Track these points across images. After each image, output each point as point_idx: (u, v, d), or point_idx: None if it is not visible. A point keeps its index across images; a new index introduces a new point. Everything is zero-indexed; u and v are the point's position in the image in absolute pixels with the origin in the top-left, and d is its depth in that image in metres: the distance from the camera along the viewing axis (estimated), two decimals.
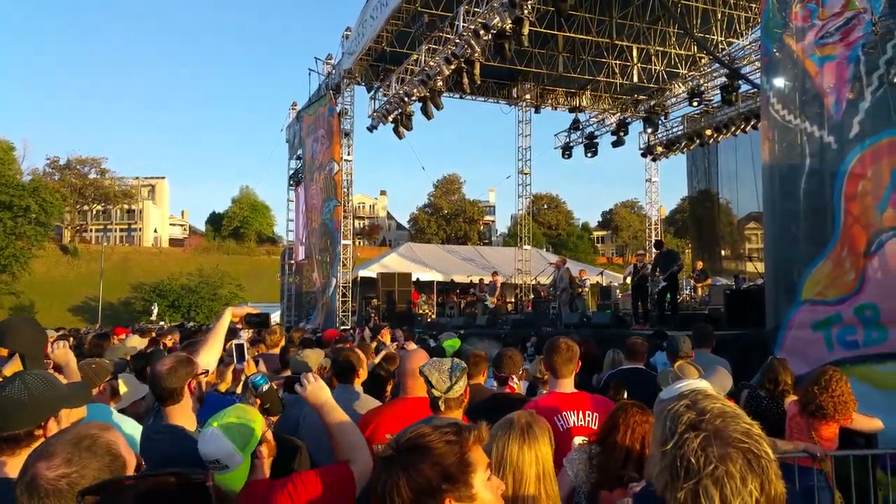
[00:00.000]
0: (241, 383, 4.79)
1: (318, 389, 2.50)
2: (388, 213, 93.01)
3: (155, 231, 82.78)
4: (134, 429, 3.39)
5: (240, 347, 3.73)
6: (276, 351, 6.22)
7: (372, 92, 22.32)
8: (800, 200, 6.79)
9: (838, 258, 6.27)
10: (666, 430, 1.37)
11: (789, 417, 4.63)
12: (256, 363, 5.07)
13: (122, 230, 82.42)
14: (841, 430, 4.41)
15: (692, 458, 1.31)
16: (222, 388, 4.57)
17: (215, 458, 2.09)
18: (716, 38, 19.28)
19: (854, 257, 6.13)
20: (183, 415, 2.84)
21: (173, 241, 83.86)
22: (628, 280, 16.08)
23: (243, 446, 2.14)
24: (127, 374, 4.32)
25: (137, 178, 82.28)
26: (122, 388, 3.99)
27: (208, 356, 3.12)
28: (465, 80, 16.75)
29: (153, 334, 11.32)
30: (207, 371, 3.02)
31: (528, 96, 23.97)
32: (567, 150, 25.96)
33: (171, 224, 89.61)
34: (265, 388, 2.52)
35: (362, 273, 25.51)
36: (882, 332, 5.83)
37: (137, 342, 8.46)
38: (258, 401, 2.55)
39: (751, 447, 1.31)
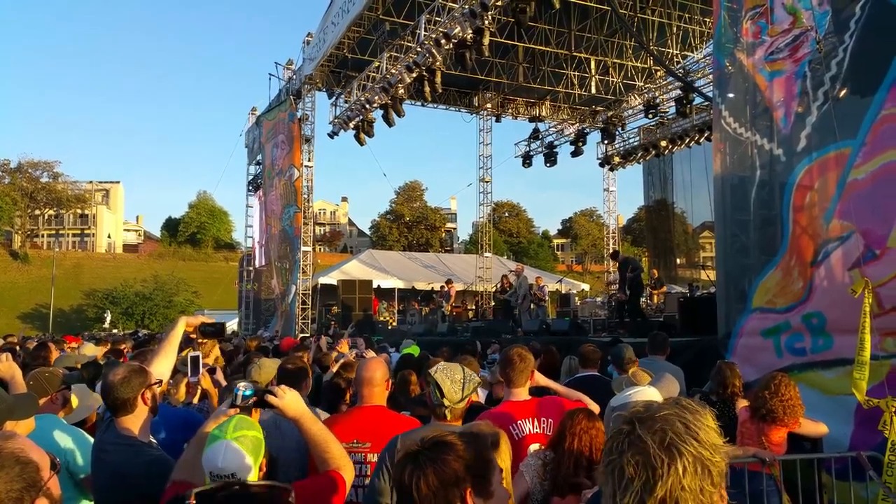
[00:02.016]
0: (197, 395, 4.73)
1: (295, 400, 2.41)
2: (350, 219, 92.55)
3: (109, 236, 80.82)
4: (81, 440, 3.32)
5: (195, 360, 3.67)
6: (209, 361, 6.13)
7: (333, 98, 22.24)
8: (750, 211, 6.96)
9: (787, 267, 6.44)
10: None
11: (740, 423, 4.76)
12: (213, 373, 5.00)
13: (74, 235, 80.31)
14: (789, 435, 4.54)
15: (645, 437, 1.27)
16: (178, 398, 4.49)
17: (231, 473, 2.05)
18: (671, 51, 19.71)
19: (802, 266, 6.30)
20: (136, 426, 2.79)
21: (127, 247, 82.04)
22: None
23: (256, 459, 2.11)
24: (79, 385, 4.21)
25: (91, 182, 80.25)
26: (75, 401, 3.90)
27: (162, 366, 3.06)
28: (427, 89, 16.80)
29: (109, 344, 11.01)
30: (161, 381, 2.97)
31: (488, 105, 24.16)
32: (527, 159, 26.22)
33: (125, 229, 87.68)
34: (252, 400, 2.40)
35: (322, 280, 25.34)
36: (827, 340, 6.00)
37: (93, 350, 8.24)
38: (234, 410, 2.40)
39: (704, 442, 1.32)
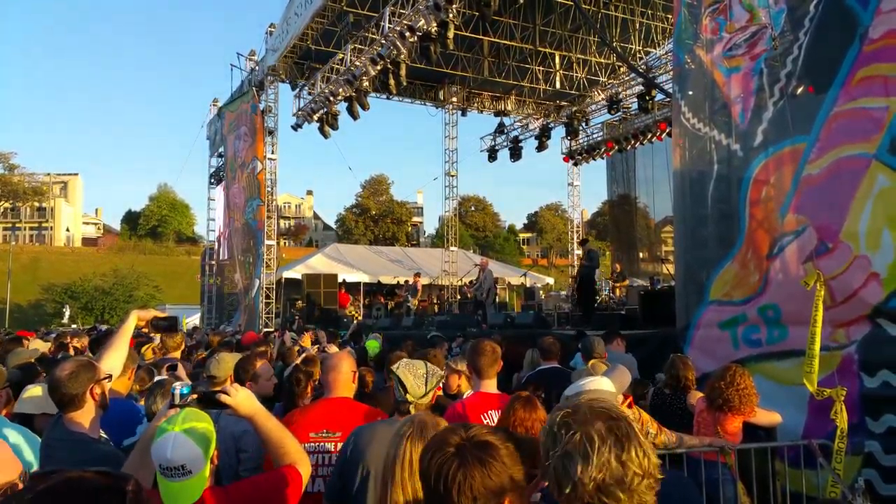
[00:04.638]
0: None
1: (247, 398, 2.39)
2: (315, 213, 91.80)
3: (67, 230, 79.11)
4: (29, 437, 3.24)
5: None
6: (177, 354, 6.06)
7: (296, 90, 21.97)
8: (708, 205, 7.07)
9: (743, 260, 6.56)
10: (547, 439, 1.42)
11: (697, 413, 4.84)
12: (174, 368, 4.94)
13: (32, 229, 78.45)
14: (744, 424, 4.64)
15: (559, 430, 1.38)
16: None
17: (181, 464, 2.01)
18: (634, 47, 19.89)
19: (758, 260, 6.42)
20: (85, 421, 2.74)
21: (86, 241, 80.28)
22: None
23: (207, 451, 2.08)
24: (43, 383, 4.13)
25: (49, 174, 78.47)
26: (38, 393, 3.82)
27: (112, 360, 3.00)
28: (392, 81, 16.72)
29: (67, 338, 10.76)
30: (111, 376, 2.91)
31: (454, 99, 24.13)
32: (493, 154, 26.27)
33: (84, 223, 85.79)
34: (189, 399, 2.38)
35: (287, 274, 25.09)
36: (783, 331, 6.13)
37: (42, 346, 8.05)
38: (174, 410, 2.40)
39: (610, 413, 1.38)
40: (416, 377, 2.97)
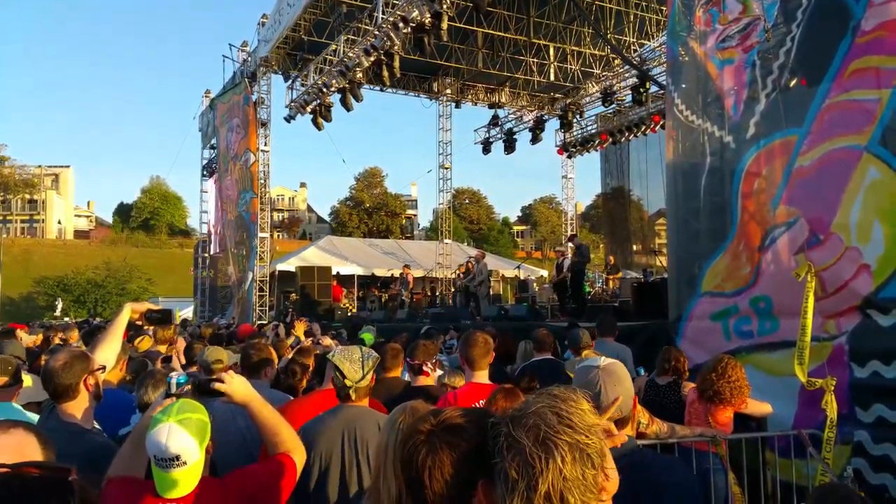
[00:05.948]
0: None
1: (243, 385, 2.40)
2: (309, 205, 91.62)
3: (59, 222, 78.77)
4: None
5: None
6: (162, 348, 6.06)
7: (289, 81, 21.89)
8: (700, 197, 7.08)
9: (735, 252, 6.58)
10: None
11: (688, 403, 4.88)
12: (169, 360, 4.94)
13: (23, 221, 78.08)
14: (735, 415, 4.68)
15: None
16: None
17: (176, 455, 2.02)
18: (628, 39, 19.90)
19: (749, 252, 6.44)
20: (78, 412, 2.75)
21: (78, 233, 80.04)
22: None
23: (202, 441, 2.09)
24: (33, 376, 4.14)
25: (40, 166, 78.09)
26: (29, 383, 3.83)
27: (106, 352, 3.01)
28: (385, 73, 16.67)
29: (51, 332, 10.75)
30: (105, 367, 2.92)
31: (448, 91, 24.09)
32: (487, 146, 26.26)
33: (76, 215, 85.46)
34: (186, 388, 2.39)
35: (280, 267, 25.08)
36: (774, 323, 6.16)
37: (25, 339, 8.04)
38: (171, 400, 2.42)
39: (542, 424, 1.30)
40: (351, 362, 3.03)
